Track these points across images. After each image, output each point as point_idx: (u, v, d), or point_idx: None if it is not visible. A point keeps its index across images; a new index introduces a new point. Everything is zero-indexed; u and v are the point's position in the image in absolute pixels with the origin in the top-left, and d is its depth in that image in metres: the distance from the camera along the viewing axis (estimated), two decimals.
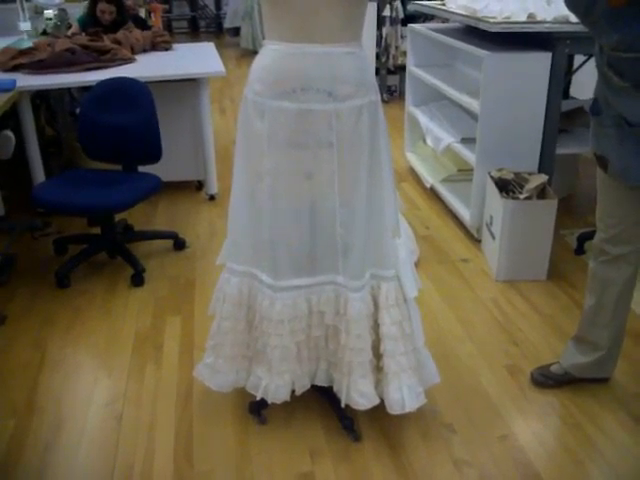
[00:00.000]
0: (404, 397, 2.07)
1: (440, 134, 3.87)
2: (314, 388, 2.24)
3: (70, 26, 4.98)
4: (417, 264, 3.27)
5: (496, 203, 3.12)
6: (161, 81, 3.74)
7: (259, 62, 1.91)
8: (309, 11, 1.77)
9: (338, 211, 1.96)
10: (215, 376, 2.22)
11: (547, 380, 2.40)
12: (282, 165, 1.95)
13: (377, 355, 2.10)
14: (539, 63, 3.16)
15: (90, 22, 4.71)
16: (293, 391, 2.17)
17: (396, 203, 2.06)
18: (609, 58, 1.89)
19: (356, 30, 1.87)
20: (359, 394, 2.07)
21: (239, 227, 2.09)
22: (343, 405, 2.11)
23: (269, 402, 2.16)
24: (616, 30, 1.81)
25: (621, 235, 2.12)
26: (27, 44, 4.23)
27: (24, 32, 4.76)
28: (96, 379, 2.50)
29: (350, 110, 1.87)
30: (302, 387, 2.19)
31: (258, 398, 2.15)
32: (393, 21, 6.30)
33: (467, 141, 3.63)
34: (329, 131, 1.88)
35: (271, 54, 1.88)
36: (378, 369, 2.12)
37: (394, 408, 2.08)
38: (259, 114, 1.92)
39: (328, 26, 1.80)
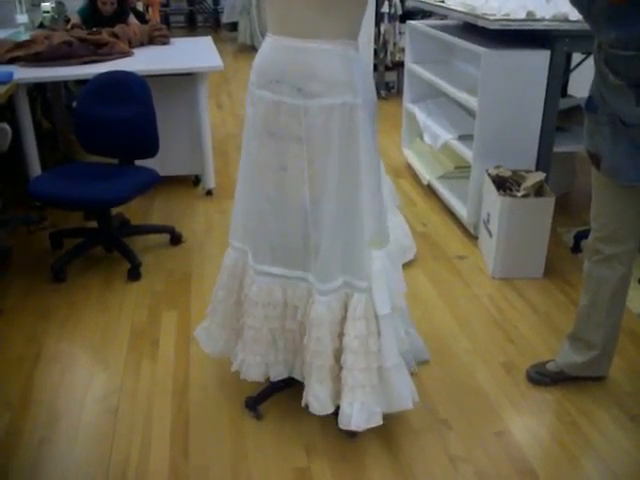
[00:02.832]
0: (353, 414, 2.00)
1: (438, 131, 3.87)
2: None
3: (68, 20, 4.97)
4: (414, 261, 3.28)
5: (493, 200, 3.12)
6: (158, 75, 3.73)
7: (258, 53, 1.99)
8: (288, 5, 1.80)
9: (308, 208, 1.96)
10: (208, 341, 2.31)
11: (543, 378, 2.40)
12: (261, 153, 2.01)
13: (340, 364, 2.07)
14: (537, 61, 3.16)
15: (91, 13, 4.70)
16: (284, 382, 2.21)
17: (380, 213, 1.99)
18: (606, 55, 1.90)
19: (342, 28, 1.82)
20: (314, 397, 2.06)
21: (236, 206, 2.18)
22: (303, 404, 2.10)
23: (241, 377, 2.20)
24: (614, 28, 1.82)
25: (614, 234, 2.12)
26: (24, 37, 4.22)
27: (21, 25, 4.75)
28: (92, 373, 2.50)
29: (319, 109, 1.85)
30: (278, 375, 2.20)
31: (233, 370, 2.21)
32: (391, 17, 6.30)
33: (465, 138, 3.63)
34: (298, 126, 1.89)
35: (263, 46, 1.96)
36: (339, 379, 2.07)
37: (342, 422, 2.02)
38: (250, 101, 2.01)
39: (306, 21, 1.80)
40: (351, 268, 1.99)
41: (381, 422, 2.04)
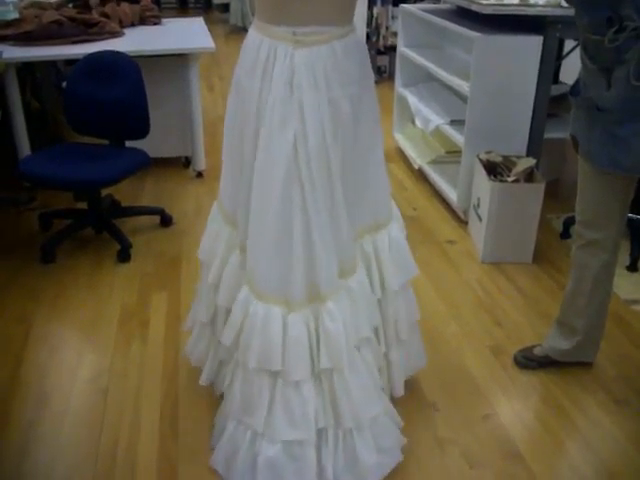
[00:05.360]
0: None
1: (429, 115, 3.86)
2: None
3: None
4: None
5: (484, 185, 3.13)
6: (150, 56, 3.70)
7: None
8: None
9: None
10: None
11: (529, 362, 2.43)
12: None
13: None
14: (530, 46, 3.16)
15: None
16: None
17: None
18: (583, 40, 1.94)
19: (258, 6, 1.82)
20: None
21: None
22: None
23: None
24: (586, 12, 1.86)
25: (594, 220, 2.14)
26: (13, 15, 4.16)
27: (10, 3, 4.67)
28: (81, 354, 2.50)
29: None
30: None
31: None
32: (384, 1, 6.27)
33: (456, 123, 3.63)
34: None
35: None
36: None
37: None
38: None
39: None
40: None
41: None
